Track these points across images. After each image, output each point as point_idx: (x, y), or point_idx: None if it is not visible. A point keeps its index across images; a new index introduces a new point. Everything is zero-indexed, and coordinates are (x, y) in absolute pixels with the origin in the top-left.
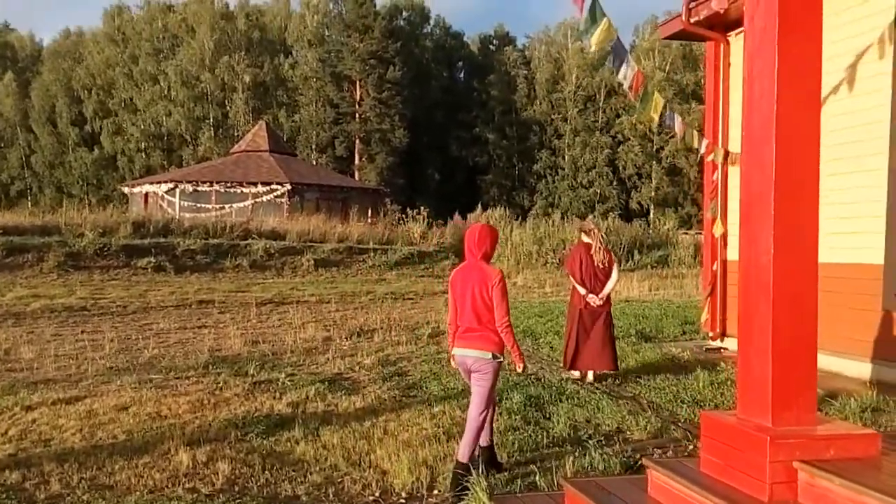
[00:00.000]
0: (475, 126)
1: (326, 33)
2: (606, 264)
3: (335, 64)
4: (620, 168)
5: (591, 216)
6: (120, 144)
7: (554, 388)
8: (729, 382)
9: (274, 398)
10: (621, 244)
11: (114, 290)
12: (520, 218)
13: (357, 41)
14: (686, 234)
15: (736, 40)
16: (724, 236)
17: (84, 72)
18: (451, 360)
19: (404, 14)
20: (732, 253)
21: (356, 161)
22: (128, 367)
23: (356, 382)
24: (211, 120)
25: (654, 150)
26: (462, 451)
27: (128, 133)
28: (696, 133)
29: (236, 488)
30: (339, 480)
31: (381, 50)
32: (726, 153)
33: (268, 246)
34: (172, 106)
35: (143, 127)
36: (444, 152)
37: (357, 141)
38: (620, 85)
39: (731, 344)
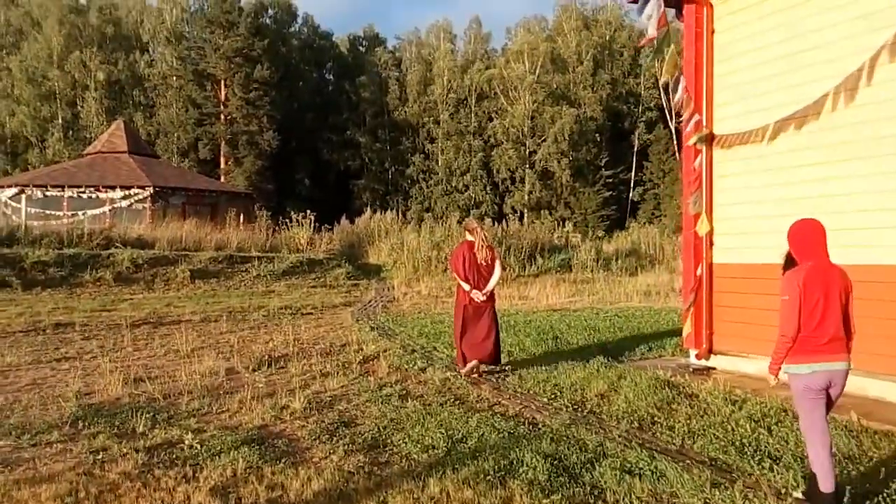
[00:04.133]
0: (346, 129)
1: (187, 29)
2: (490, 261)
3: (197, 62)
4: (494, 172)
5: (471, 217)
6: None
7: (571, 441)
8: (768, 419)
9: (185, 480)
10: (522, 248)
11: None
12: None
13: (221, 38)
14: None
15: (722, 3)
16: (710, 235)
17: None
18: (775, 378)
19: (270, 11)
20: (721, 255)
21: (222, 165)
22: None
23: (294, 441)
24: (60, 121)
25: (528, 153)
26: (825, 482)
27: None
28: (692, 104)
29: None
30: None
31: (247, 48)
32: (711, 135)
33: (135, 256)
34: (16, 105)
35: None
36: (314, 156)
37: (223, 143)
38: (641, 34)
39: (720, 363)
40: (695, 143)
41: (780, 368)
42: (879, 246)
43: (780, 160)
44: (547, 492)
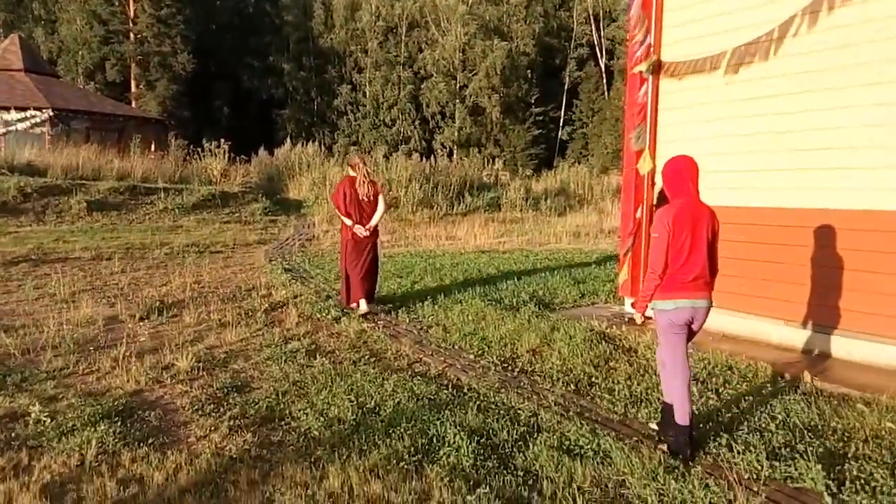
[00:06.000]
0: (269, 54)
1: None
2: (372, 196)
3: None
4: (424, 106)
5: (355, 151)
6: None
7: (501, 409)
8: (715, 379)
9: (15, 472)
10: (450, 186)
11: None
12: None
13: None
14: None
15: None
16: (653, 174)
17: None
18: (637, 313)
19: None
20: None
21: (133, 88)
22: None
23: (170, 413)
24: None
25: (458, 87)
26: (682, 414)
27: None
28: (644, 23)
29: None
30: None
31: None
32: (659, 63)
33: (23, 183)
34: None
35: None
36: (235, 83)
37: (133, 65)
38: None
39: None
40: (641, 72)
41: (647, 306)
42: (841, 189)
43: (733, 91)
44: (471, 482)
